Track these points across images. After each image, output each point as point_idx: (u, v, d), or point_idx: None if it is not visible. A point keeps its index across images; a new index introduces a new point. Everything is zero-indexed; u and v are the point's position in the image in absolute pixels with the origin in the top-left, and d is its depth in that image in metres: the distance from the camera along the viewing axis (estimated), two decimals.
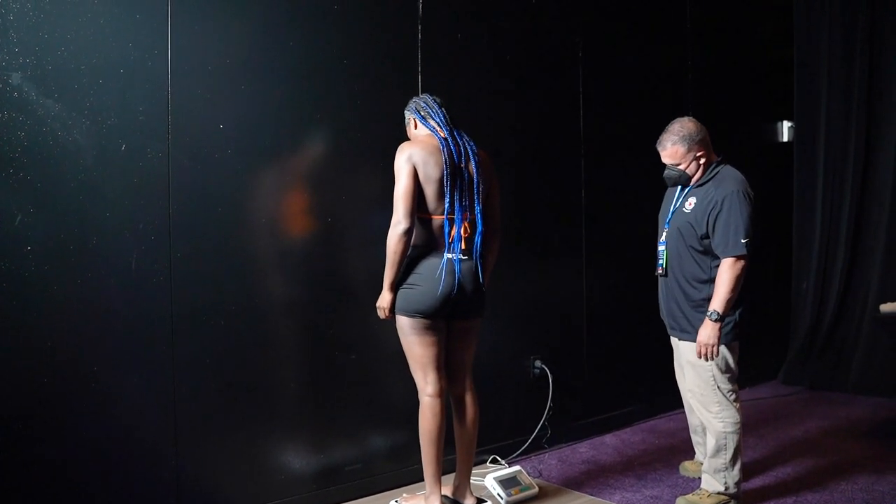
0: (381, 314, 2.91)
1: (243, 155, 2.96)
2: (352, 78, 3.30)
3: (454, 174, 2.81)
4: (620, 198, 4.61)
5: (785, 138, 6.12)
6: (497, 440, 3.81)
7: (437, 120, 2.90)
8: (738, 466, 3.14)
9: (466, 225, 2.85)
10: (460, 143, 2.87)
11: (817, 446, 4.02)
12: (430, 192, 2.81)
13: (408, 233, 2.76)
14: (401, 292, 2.85)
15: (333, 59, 3.25)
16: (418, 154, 2.79)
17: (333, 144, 3.25)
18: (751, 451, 3.94)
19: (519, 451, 3.86)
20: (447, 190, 2.80)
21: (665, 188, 3.54)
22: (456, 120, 2.95)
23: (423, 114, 2.93)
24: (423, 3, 3.54)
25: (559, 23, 4.24)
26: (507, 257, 3.82)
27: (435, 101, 2.94)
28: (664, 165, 3.33)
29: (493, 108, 3.87)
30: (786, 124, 6.11)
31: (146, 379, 2.73)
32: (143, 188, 2.70)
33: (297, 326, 3.15)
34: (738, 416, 3.12)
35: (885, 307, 4.12)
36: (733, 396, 3.13)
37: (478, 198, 2.88)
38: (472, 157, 2.88)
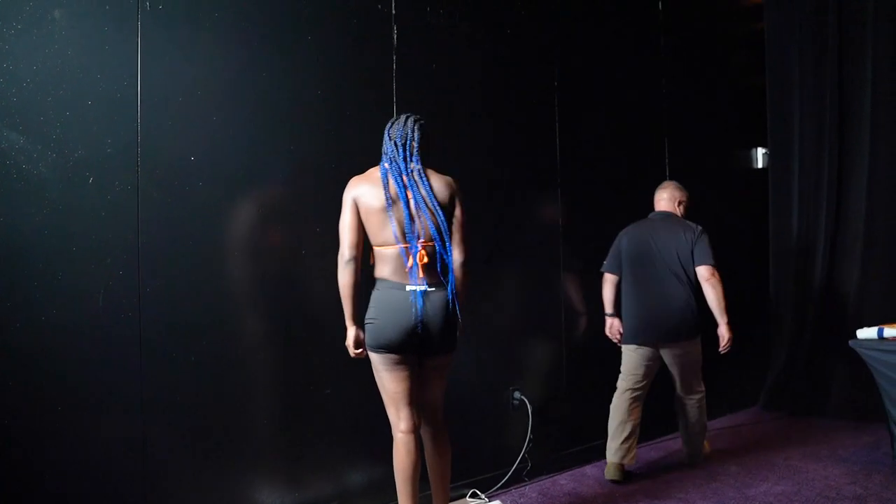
0: (350, 352, 2.88)
1: (215, 187, 2.92)
2: (326, 108, 3.28)
3: (396, 202, 2.74)
4: (598, 227, 4.60)
5: (759, 165, 6.18)
6: (476, 473, 3.74)
7: (388, 148, 2.83)
8: (610, 441, 4.05)
9: (423, 253, 2.75)
10: (405, 169, 2.77)
11: (799, 472, 3.99)
12: (376, 222, 2.76)
13: (349, 264, 2.77)
14: (367, 327, 2.81)
15: (307, 90, 3.22)
16: (361, 187, 2.78)
17: (306, 175, 3.22)
18: (732, 479, 3.91)
19: (499, 485, 3.80)
20: (390, 219, 2.74)
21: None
22: (428, 144, 2.88)
23: (384, 144, 2.87)
24: (397, 33, 3.53)
25: (534, 51, 4.26)
26: (484, 287, 3.79)
27: (397, 123, 2.85)
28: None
29: (468, 137, 3.86)
30: (760, 151, 6.18)
31: (114, 418, 2.64)
32: (111, 222, 2.64)
33: (271, 362, 3.09)
34: (614, 402, 4.13)
35: (862, 333, 4.12)
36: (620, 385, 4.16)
37: (433, 224, 2.76)
38: (422, 183, 2.76)
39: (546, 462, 4.09)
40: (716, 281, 3.98)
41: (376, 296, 2.81)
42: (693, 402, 4.17)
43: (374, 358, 2.82)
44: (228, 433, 2.94)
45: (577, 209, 4.43)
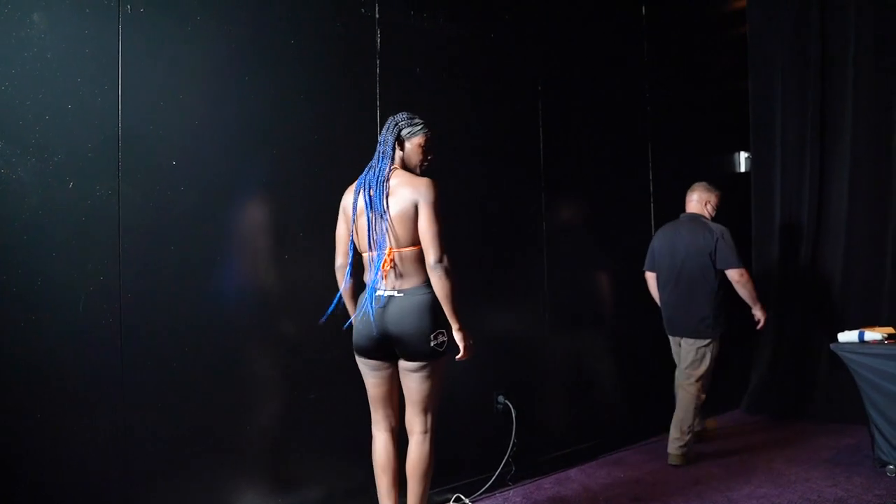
0: None
1: (197, 191, 2.90)
2: (309, 112, 3.26)
3: (361, 209, 2.78)
4: (583, 231, 4.62)
5: (742, 169, 6.22)
6: (461, 478, 3.74)
7: (374, 155, 2.85)
8: None
9: (388, 259, 2.72)
10: (378, 176, 2.76)
11: (781, 475, 4.02)
12: (355, 229, 2.82)
13: (338, 270, 2.88)
14: None
15: (290, 94, 3.21)
16: (347, 196, 2.87)
17: (289, 179, 3.20)
18: (715, 482, 3.92)
19: (483, 489, 3.79)
20: (352, 225, 2.81)
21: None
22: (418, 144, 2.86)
23: None
24: (381, 37, 3.53)
25: (518, 56, 4.26)
26: (468, 291, 3.78)
27: (383, 128, 2.86)
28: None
29: (452, 141, 3.85)
30: (742, 155, 6.21)
31: (94, 425, 2.62)
32: (91, 227, 2.62)
33: (253, 367, 3.07)
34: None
35: (843, 336, 4.16)
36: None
37: (386, 230, 2.71)
38: (378, 186, 2.73)
39: (530, 466, 4.09)
40: (745, 281, 4.34)
41: (359, 300, 2.87)
42: (682, 393, 4.40)
43: (356, 359, 2.89)
44: (211, 442, 2.92)
45: (561, 213, 4.44)
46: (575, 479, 4.10)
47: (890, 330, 4.14)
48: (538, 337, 4.29)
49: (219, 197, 2.97)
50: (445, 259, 2.68)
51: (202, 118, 2.93)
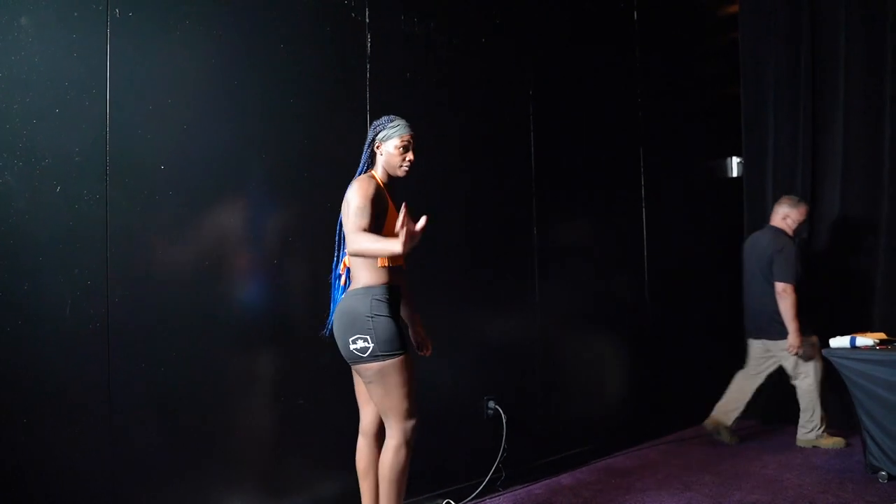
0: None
1: (185, 196, 2.88)
2: (299, 116, 3.26)
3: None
4: (573, 236, 4.62)
5: (734, 174, 6.22)
6: (450, 484, 3.73)
7: None
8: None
9: (344, 264, 2.81)
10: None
11: (774, 481, 4.01)
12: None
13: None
14: None
15: (280, 98, 3.20)
16: None
17: (278, 184, 3.19)
18: (707, 488, 3.91)
19: (473, 495, 3.77)
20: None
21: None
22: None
23: None
24: (371, 41, 3.52)
25: (509, 60, 4.26)
26: (458, 295, 3.79)
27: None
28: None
29: (442, 146, 3.85)
30: (734, 160, 6.22)
31: (82, 431, 2.60)
32: (79, 231, 2.60)
33: (241, 373, 3.05)
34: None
35: (835, 342, 4.16)
36: None
37: (340, 230, 2.83)
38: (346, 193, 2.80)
39: (520, 472, 4.08)
40: (786, 296, 4.63)
41: None
42: (798, 388, 4.81)
43: None
44: (199, 448, 2.90)
45: (551, 217, 4.44)
46: (566, 485, 4.09)
47: (881, 336, 4.15)
48: (529, 342, 4.29)
49: (207, 201, 2.96)
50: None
51: (190, 122, 2.92)
